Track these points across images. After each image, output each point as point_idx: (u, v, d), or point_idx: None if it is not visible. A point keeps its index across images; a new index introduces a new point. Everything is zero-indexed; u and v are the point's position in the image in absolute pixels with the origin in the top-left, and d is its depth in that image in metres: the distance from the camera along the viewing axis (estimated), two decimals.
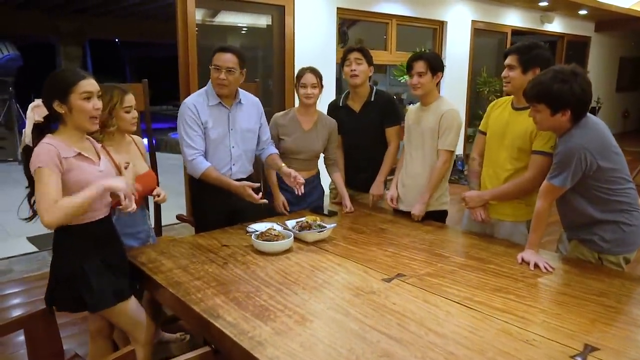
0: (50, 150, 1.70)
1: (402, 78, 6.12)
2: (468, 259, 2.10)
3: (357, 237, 2.39)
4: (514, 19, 8.02)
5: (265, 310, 1.64)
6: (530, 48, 2.28)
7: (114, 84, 2.29)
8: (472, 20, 7.24)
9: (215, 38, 5.05)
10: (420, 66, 2.55)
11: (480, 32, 7.50)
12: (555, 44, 9.37)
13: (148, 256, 2.12)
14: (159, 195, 2.32)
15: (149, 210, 2.49)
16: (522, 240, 2.33)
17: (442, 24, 6.94)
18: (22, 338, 2.56)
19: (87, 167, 1.81)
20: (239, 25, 5.45)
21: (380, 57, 6.19)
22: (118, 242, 2.00)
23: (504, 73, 2.34)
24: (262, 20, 5.38)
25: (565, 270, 1.99)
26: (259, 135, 2.72)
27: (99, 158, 1.90)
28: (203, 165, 2.49)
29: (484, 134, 2.52)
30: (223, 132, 2.56)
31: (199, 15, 4.59)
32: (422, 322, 1.57)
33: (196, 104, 2.51)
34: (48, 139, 1.75)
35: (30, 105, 1.79)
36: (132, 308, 1.93)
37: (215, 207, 2.59)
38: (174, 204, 2.47)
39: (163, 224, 3.27)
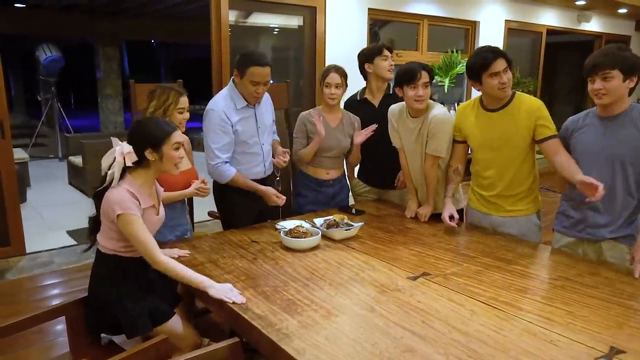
0: (133, 200, 1.85)
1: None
2: (495, 260, 2.11)
3: (383, 236, 2.41)
4: (549, 18, 7.86)
5: (292, 304, 1.69)
6: (500, 51, 2.30)
7: (172, 85, 2.39)
8: (505, 20, 7.14)
9: (247, 39, 5.15)
10: (426, 76, 2.51)
11: (514, 32, 7.38)
12: (593, 44, 9.13)
13: (181, 250, 2.20)
14: (204, 183, 2.42)
15: (188, 206, 2.58)
16: (535, 231, 2.46)
17: (474, 24, 6.87)
18: (60, 327, 2.69)
19: (152, 217, 1.96)
20: (271, 26, 5.53)
21: (411, 57, 6.16)
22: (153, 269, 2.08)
23: (503, 79, 2.25)
24: (294, 21, 5.44)
25: (594, 273, 1.97)
26: None
27: (159, 203, 2.04)
28: (230, 171, 2.53)
29: (463, 142, 2.56)
30: (253, 131, 2.62)
31: (232, 16, 4.69)
32: (446, 320, 1.59)
33: (226, 111, 2.51)
34: (128, 186, 1.87)
35: (119, 150, 1.87)
36: (173, 326, 1.98)
37: (242, 209, 2.65)
38: (206, 200, 2.56)
39: (195, 220, 3.37)
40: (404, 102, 2.65)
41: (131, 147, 1.88)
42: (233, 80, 2.58)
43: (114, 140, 1.92)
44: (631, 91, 2.09)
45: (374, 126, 2.76)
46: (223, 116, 2.50)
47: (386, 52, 2.88)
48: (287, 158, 2.70)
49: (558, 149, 2.26)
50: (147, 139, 1.89)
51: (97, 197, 1.92)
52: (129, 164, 1.89)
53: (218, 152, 2.51)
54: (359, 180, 3.13)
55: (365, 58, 2.92)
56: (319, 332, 1.52)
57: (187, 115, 2.37)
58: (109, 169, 1.90)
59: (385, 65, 2.87)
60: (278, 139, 2.91)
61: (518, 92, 2.38)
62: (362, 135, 2.79)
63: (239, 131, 2.55)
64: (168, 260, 1.86)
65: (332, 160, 2.87)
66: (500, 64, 2.24)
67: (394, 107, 2.73)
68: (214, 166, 2.53)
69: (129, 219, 1.82)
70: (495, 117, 2.38)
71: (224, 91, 2.62)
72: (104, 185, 1.89)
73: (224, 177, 2.54)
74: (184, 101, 2.33)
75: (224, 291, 1.77)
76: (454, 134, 2.57)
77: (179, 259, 2.07)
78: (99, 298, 1.94)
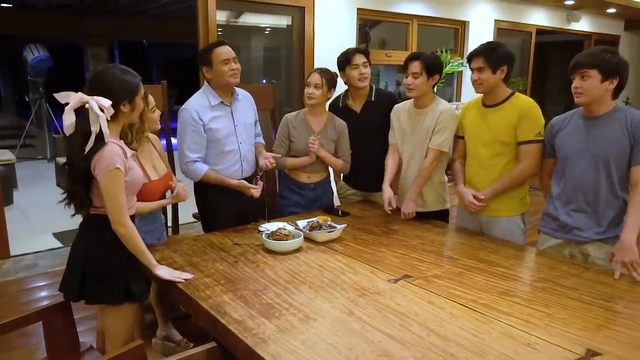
0: (120, 152, 1.77)
1: None
2: (477, 262, 2.10)
3: (367, 238, 2.40)
4: (539, 18, 7.88)
5: (270, 308, 1.68)
6: (494, 48, 2.35)
7: None
8: (495, 20, 7.15)
9: (236, 39, 5.12)
10: (415, 67, 2.55)
11: (504, 32, 7.39)
12: (582, 44, 9.16)
13: (161, 253, 2.17)
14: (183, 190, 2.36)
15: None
16: (519, 234, 2.47)
17: (464, 24, 6.87)
18: None
19: (136, 165, 1.92)
20: (260, 26, 5.51)
21: (401, 57, 6.16)
22: None
23: (474, 76, 2.38)
24: (283, 21, 5.42)
25: (574, 275, 1.97)
26: None
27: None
28: (201, 169, 2.51)
29: (462, 138, 2.59)
30: (229, 130, 2.58)
31: (220, 16, 4.66)
32: (424, 324, 1.58)
33: (198, 110, 2.50)
34: (113, 138, 1.80)
35: (95, 104, 1.70)
36: (135, 309, 1.97)
37: (222, 210, 2.62)
38: (191, 202, 2.53)
39: (181, 222, 3.35)
40: (410, 100, 2.70)
41: (108, 100, 1.74)
42: (207, 80, 2.58)
43: (66, 95, 1.73)
44: (617, 93, 2.10)
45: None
46: (194, 115, 2.49)
47: (356, 60, 2.77)
48: (274, 163, 2.67)
49: (526, 156, 2.35)
50: (123, 92, 1.79)
51: (85, 160, 1.74)
52: (107, 117, 1.75)
53: (188, 151, 2.51)
54: (344, 183, 3.11)
55: (339, 66, 2.86)
56: (295, 336, 1.50)
57: (159, 112, 2.37)
58: (87, 129, 1.71)
59: (355, 74, 2.78)
60: (263, 142, 2.87)
61: (517, 92, 2.45)
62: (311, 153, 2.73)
63: (212, 129, 2.52)
64: (133, 226, 1.83)
65: (313, 165, 2.79)
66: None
67: (398, 105, 2.79)
68: (185, 164, 2.53)
69: (119, 176, 1.75)
70: (490, 112, 2.43)
71: (198, 91, 2.62)
72: (91, 145, 1.72)
73: (195, 175, 2.53)
74: (152, 99, 2.32)
75: (169, 272, 1.91)
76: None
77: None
78: (106, 262, 1.85)
